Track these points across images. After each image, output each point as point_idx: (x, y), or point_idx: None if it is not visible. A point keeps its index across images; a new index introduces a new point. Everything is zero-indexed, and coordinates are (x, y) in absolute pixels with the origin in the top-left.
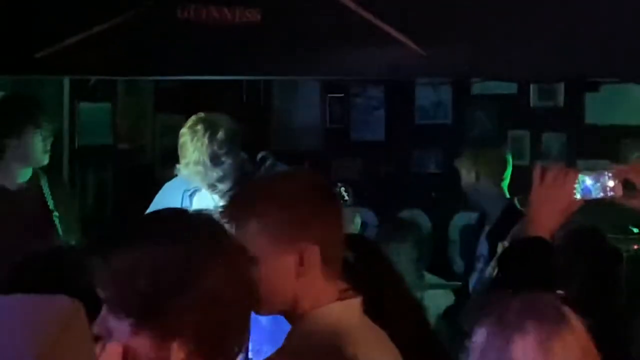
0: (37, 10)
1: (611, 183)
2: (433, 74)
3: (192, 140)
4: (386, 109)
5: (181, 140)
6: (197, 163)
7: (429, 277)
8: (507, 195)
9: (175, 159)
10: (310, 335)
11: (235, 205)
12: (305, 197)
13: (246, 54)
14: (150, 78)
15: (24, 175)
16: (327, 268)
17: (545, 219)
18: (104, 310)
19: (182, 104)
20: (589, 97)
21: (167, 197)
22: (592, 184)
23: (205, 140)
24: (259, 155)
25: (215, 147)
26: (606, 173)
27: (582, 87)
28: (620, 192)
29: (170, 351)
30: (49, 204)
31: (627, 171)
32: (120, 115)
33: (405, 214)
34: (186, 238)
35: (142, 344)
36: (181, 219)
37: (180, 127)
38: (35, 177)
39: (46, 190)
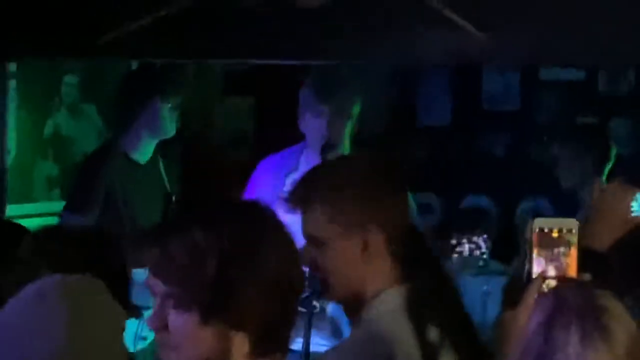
0: None
1: None
2: (498, 60)
3: None
4: (453, 94)
5: None
6: None
7: (494, 264)
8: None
9: (244, 142)
10: (377, 321)
11: (303, 190)
12: (371, 181)
13: (311, 38)
14: (213, 62)
15: (151, 148)
16: (394, 253)
17: (601, 233)
18: (159, 303)
19: (250, 86)
20: None
21: (262, 176)
22: None
23: None
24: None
25: None
26: None
27: None
28: None
29: (233, 343)
30: (167, 187)
31: None
32: (188, 98)
33: (470, 199)
34: (248, 223)
35: (208, 335)
36: (238, 205)
37: (249, 109)
38: (154, 158)
39: (163, 174)
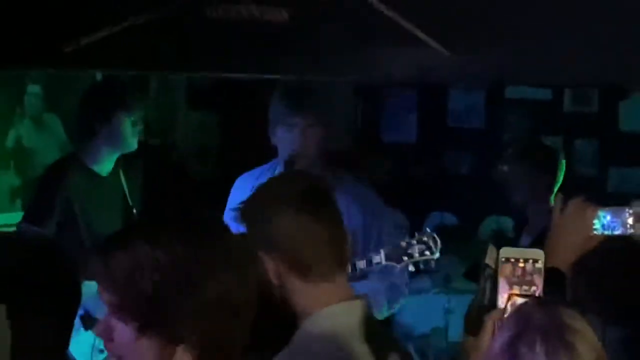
0: (67, 3)
1: (631, 220)
2: (465, 80)
3: None
4: (419, 111)
5: None
6: None
7: (459, 282)
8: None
9: (207, 156)
10: (307, 339)
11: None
12: (274, 208)
13: (274, 53)
14: (177, 75)
15: (111, 161)
16: (309, 274)
17: (562, 251)
18: (106, 313)
19: (214, 102)
20: (624, 104)
21: (239, 191)
22: (611, 220)
23: None
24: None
25: None
26: (626, 210)
27: (617, 94)
28: (639, 230)
29: (175, 357)
30: (128, 199)
31: None
32: (152, 112)
33: (435, 216)
34: (193, 240)
35: (147, 347)
36: (187, 221)
37: (212, 124)
38: (115, 170)
39: (125, 186)
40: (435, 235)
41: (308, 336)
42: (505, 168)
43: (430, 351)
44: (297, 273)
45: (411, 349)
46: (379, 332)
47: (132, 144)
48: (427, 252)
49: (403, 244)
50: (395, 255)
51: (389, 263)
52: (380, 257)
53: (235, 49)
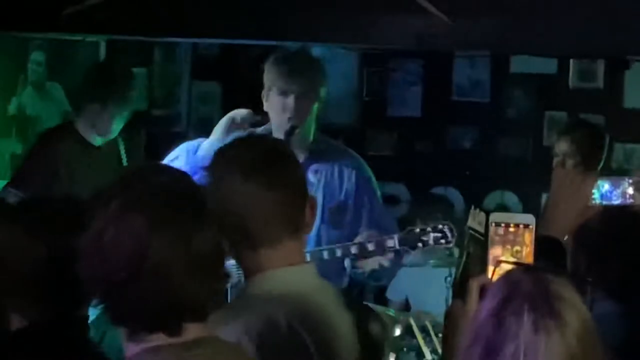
0: None
1: (631, 190)
2: (463, 46)
3: None
4: (424, 84)
5: None
6: None
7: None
8: None
9: (209, 127)
10: (244, 299)
11: None
12: (222, 174)
13: (277, 20)
14: (177, 40)
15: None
16: (255, 241)
17: (560, 219)
18: None
19: (218, 72)
20: (629, 80)
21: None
22: (611, 190)
23: None
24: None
25: None
26: (626, 179)
27: (622, 69)
28: (639, 200)
29: None
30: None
31: None
32: (155, 81)
33: (438, 190)
34: None
35: None
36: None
37: (215, 94)
38: (115, 140)
39: (123, 155)
40: (452, 225)
41: (252, 295)
42: (554, 144)
43: (431, 324)
44: (242, 239)
45: (411, 321)
46: (347, 297)
47: (113, 133)
48: (442, 241)
49: (417, 230)
50: (410, 241)
51: (402, 248)
52: (394, 242)
53: (235, 14)
